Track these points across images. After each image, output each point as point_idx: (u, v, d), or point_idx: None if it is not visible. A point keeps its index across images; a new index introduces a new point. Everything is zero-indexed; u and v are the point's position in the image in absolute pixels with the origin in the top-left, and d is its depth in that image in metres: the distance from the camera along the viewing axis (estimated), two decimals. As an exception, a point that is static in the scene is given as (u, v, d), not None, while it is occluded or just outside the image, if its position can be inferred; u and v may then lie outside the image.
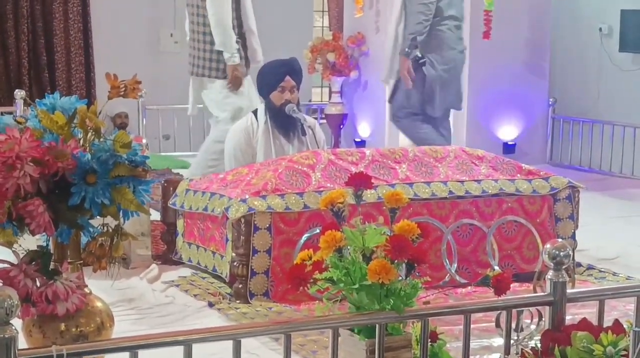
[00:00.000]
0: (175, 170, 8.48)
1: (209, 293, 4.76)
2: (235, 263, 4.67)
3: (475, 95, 8.85)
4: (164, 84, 10.18)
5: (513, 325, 2.92)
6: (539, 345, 2.78)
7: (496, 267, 4.85)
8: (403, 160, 5.11)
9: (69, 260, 2.96)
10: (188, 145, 10.04)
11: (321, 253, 2.77)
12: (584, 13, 9.84)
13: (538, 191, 5.18)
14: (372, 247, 2.77)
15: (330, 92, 10.14)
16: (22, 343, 2.40)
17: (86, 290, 2.96)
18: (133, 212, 2.91)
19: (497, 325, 2.97)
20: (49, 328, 2.87)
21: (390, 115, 7.86)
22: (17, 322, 2.32)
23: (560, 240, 2.91)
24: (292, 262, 2.96)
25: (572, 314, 3.21)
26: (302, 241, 4.63)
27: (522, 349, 2.86)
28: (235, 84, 6.89)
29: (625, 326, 2.73)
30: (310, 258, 2.78)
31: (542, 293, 2.90)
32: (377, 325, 2.67)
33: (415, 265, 2.78)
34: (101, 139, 2.91)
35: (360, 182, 2.94)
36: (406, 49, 7.19)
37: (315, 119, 8.34)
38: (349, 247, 2.78)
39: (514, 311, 2.89)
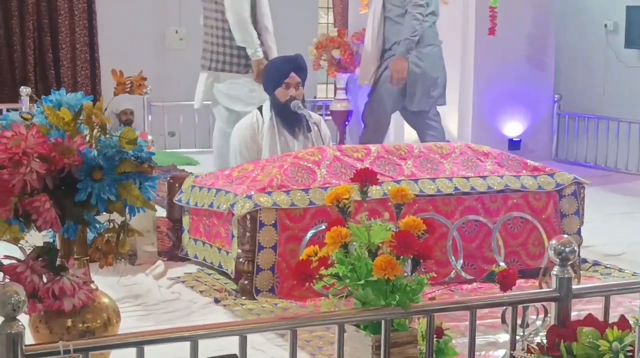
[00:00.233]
0: (180, 167, 8.50)
1: (214, 289, 4.77)
2: (240, 260, 4.67)
3: (481, 91, 8.85)
4: (169, 80, 10.19)
5: (519, 321, 2.92)
6: (544, 340, 2.78)
7: (502, 263, 4.85)
8: (408, 156, 5.12)
9: (75, 256, 2.97)
10: (193, 142, 10.06)
11: (327, 249, 2.77)
12: (589, 9, 9.83)
13: (543, 187, 5.18)
14: (377, 243, 2.77)
15: (336, 89, 10.11)
16: (28, 339, 2.41)
17: (92, 286, 2.96)
18: (139, 208, 2.92)
19: (503, 321, 2.97)
20: (56, 324, 2.88)
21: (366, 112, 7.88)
22: (24, 318, 2.32)
23: (565, 236, 2.90)
24: (298, 258, 2.97)
25: (578, 310, 3.21)
26: (307, 237, 4.63)
27: (527, 345, 2.86)
28: (261, 78, 6.93)
29: (631, 322, 2.73)
30: (316, 254, 2.79)
31: (548, 289, 2.89)
32: (382, 321, 2.67)
33: (421, 261, 2.78)
34: (107, 135, 2.92)
35: (365, 178, 2.94)
36: (407, 51, 7.29)
37: (321, 115, 8.35)
38: (354, 243, 2.78)
39: (519, 307, 2.89)
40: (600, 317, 2.86)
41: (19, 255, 2.86)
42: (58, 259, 2.90)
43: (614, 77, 9.57)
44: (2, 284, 2.28)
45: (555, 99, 9.39)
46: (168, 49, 10.51)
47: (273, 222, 4.64)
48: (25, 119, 2.95)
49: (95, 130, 2.93)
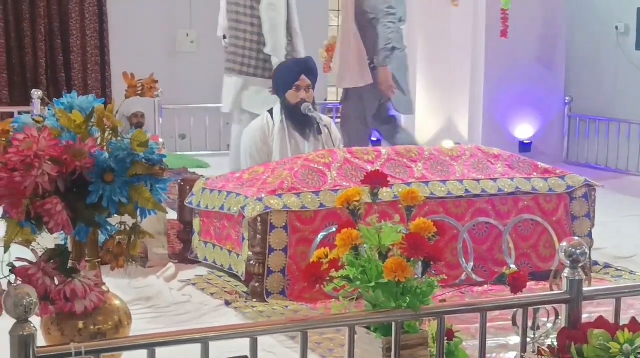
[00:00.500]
0: (191, 170, 8.50)
1: (225, 292, 4.77)
2: (251, 262, 4.68)
3: (491, 94, 8.84)
4: (180, 83, 10.21)
5: (529, 324, 2.92)
6: (555, 343, 2.77)
7: (512, 266, 4.85)
8: (419, 158, 5.12)
9: (87, 259, 2.98)
10: (204, 145, 10.08)
11: (337, 251, 2.78)
12: (600, 11, 9.81)
13: (554, 189, 5.17)
14: (388, 245, 2.77)
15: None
16: (40, 341, 2.42)
17: (104, 288, 2.97)
18: (150, 211, 2.93)
19: (514, 323, 2.97)
20: (68, 326, 2.89)
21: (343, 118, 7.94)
22: (35, 320, 2.33)
23: (576, 238, 2.90)
24: (309, 261, 2.97)
25: (589, 313, 3.21)
26: (318, 240, 4.64)
27: (538, 347, 2.86)
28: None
29: (642, 324, 2.73)
30: (327, 256, 2.79)
31: (559, 292, 2.89)
32: (393, 323, 2.67)
33: (431, 263, 2.78)
34: (118, 138, 2.93)
35: (376, 180, 2.95)
36: (386, 59, 7.41)
37: (331, 118, 8.35)
38: (365, 245, 2.79)
39: (530, 309, 2.89)
40: (611, 319, 2.86)
41: (31, 257, 2.87)
42: (70, 261, 2.92)
43: (624, 79, 9.55)
44: (14, 286, 2.29)
45: (566, 101, 9.38)
46: (179, 52, 10.54)
47: (284, 224, 4.64)
48: (37, 122, 2.96)
49: (106, 133, 2.94)
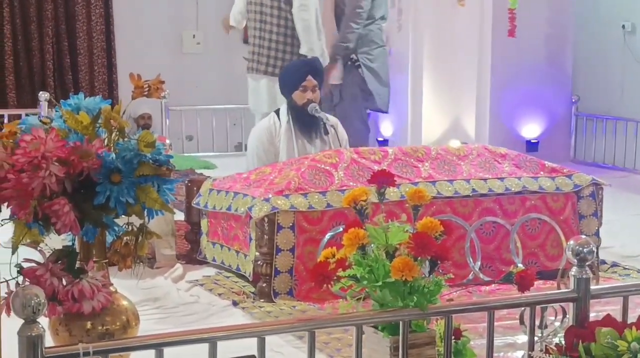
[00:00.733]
0: (198, 171, 8.52)
1: (233, 292, 4.78)
2: (259, 262, 4.68)
3: (498, 93, 8.83)
4: (186, 84, 10.22)
5: (537, 322, 2.92)
6: (563, 341, 2.77)
7: (520, 265, 4.84)
8: (426, 158, 5.11)
9: (94, 259, 2.99)
10: (211, 146, 10.08)
11: (344, 251, 2.78)
12: (606, 10, 9.79)
13: (561, 188, 5.16)
14: (395, 245, 2.78)
15: (353, 92, 10.11)
16: (48, 341, 2.42)
17: (111, 288, 2.98)
18: (157, 211, 2.94)
19: (521, 322, 2.97)
20: (75, 326, 2.90)
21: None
22: (43, 321, 2.34)
23: (583, 236, 2.90)
24: (316, 261, 2.97)
25: (597, 311, 3.21)
26: (325, 240, 4.64)
27: (546, 346, 2.86)
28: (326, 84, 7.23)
29: (650, 322, 2.73)
30: (334, 256, 2.79)
31: (566, 290, 2.89)
32: (400, 322, 2.67)
33: (439, 262, 2.79)
34: (125, 139, 2.93)
35: (383, 179, 2.95)
36: (337, 56, 7.63)
37: (337, 118, 8.35)
38: (372, 245, 2.79)
39: (537, 308, 2.88)
40: (619, 318, 2.86)
41: (39, 258, 2.88)
42: (77, 262, 2.92)
43: (632, 77, 9.53)
44: (23, 287, 2.30)
45: (573, 100, 9.36)
46: (185, 53, 10.55)
47: (291, 224, 4.65)
48: (44, 123, 2.97)
49: (113, 134, 2.95)
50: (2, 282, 2.77)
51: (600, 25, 9.75)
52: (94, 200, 2.84)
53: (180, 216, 5.45)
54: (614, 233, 5.66)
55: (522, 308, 2.92)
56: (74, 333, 2.89)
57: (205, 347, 2.49)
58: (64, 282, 2.84)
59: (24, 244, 2.89)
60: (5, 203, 2.71)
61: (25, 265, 2.82)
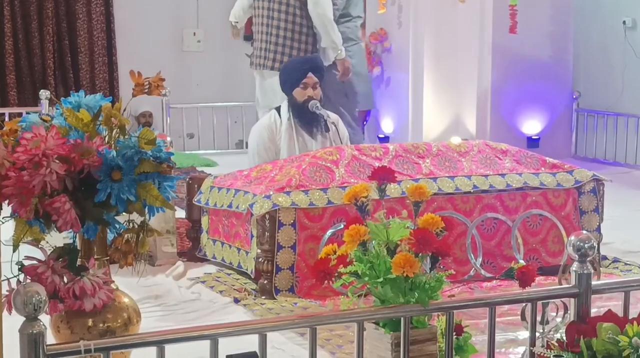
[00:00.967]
0: (199, 168, 8.53)
1: (234, 289, 4.78)
2: (260, 260, 4.69)
3: (499, 89, 8.83)
4: (187, 82, 10.23)
5: (538, 318, 2.92)
6: (564, 337, 2.77)
7: (521, 261, 4.84)
8: (427, 155, 5.11)
9: (95, 257, 2.99)
10: (212, 144, 10.09)
11: (346, 247, 2.78)
12: (607, 6, 9.78)
13: (562, 184, 5.16)
14: (396, 241, 2.78)
15: (353, 89, 10.12)
16: (50, 338, 2.42)
17: (113, 286, 2.98)
18: (158, 208, 2.94)
19: (523, 318, 2.96)
20: (77, 323, 2.90)
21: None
22: (45, 318, 2.34)
23: (585, 232, 2.90)
24: (317, 258, 2.97)
25: (598, 307, 3.21)
26: (326, 236, 4.64)
27: (547, 341, 2.86)
28: (346, 75, 7.28)
29: (651, 317, 2.73)
30: (335, 252, 2.79)
31: (568, 286, 2.89)
32: (402, 319, 2.67)
33: (440, 258, 2.79)
34: (126, 136, 2.93)
35: (384, 176, 2.95)
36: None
37: (338, 115, 8.35)
38: (373, 241, 2.79)
39: (539, 304, 2.88)
40: (620, 313, 2.85)
41: (40, 255, 2.88)
42: (78, 259, 2.92)
43: (632, 73, 9.52)
44: (24, 285, 2.30)
45: (574, 96, 9.36)
46: (186, 51, 10.54)
47: (292, 221, 4.65)
48: (45, 121, 2.97)
49: (114, 131, 2.95)
50: (3, 280, 2.76)
51: (601, 21, 9.75)
52: (95, 198, 2.84)
53: (181, 213, 5.46)
54: (615, 229, 5.66)
55: (524, 304, 2.92)
56: (75, 331, 2.89)
57: (206, 344, 2.49)
58: (65, 280, 2.84)
59: (25, 242, 2.89)
60: (6, 201, 2.71)
61: (27, 262, 2.82)
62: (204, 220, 5.31)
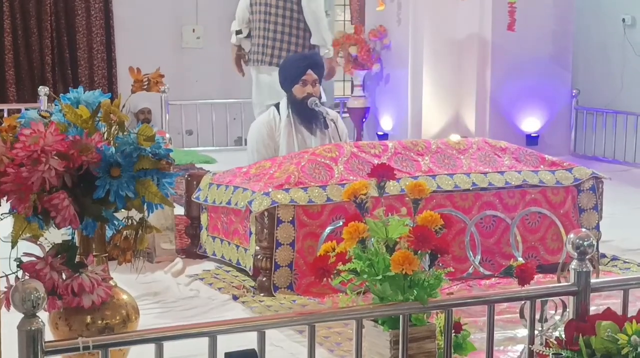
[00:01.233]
0: (198, 165, 8.52)
1: (233, 286, 4.78)
2: (258, 257, 4.68)
3: (498, 87, 8.83)
4: (186, 79, 10.22)
5: (537, 316, 2.92)
6: (563, 335, 2.77)
7: (520, 258, 4.84)
8: (426, 152, 5.11)
9: (94, 253, 2.98)
10: (211, 140, 10.08)
11: (344, 244, 2.78)
12: (607, 4, 9.78)
13: (561, 182, 5.16)
14: (395, 238, 2.77)
15: (353, 86, 10.13)
16: (48, 335, 2.42)
17: (111, 282, 2.98)
18: (157, 205, 2.93)
19: (521, 315, 2.96)
20: (75, 320, 2.89)
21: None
22: (43, 315, 2.34)
23: (584, 230, 2.90)
24: (316, 255, 2.97)
25: (597, 305, 3.20)
26: (325, 234, 4.64)
27: (546, 339, 2.86)
28: (331, 75, 7.29)
29: (650, 315, 2.72)
30: (334, 250, 2.79)
31: (566, 284, 2.89)
32: (401, 316, 2.67)
33: (439, 256, 2.78)
34: (125, 133, 2.93)
35: (383, 173, 2.94)
36: None
37: (338, 112, 8.37)
38: (372, 238, 2.79)
39: (538, 301, 2.88)
40: (619, 311, 2.85)
41: (38, 252, 2.88)
42: (77, 256, 2.92)
43: (632, 71, 9.53)
44: (22, 281, 2.29)
45: (573, 94, 9.36)
46: (185, 47, 10.54)
47: (291, 218, 4.65)
48: (44, 117, 2.97)
49: (113, 128, 2.94)
50: (1, 276, 2.76)
51: (600, 18, 9.75)
52: (94, 194, 2.84)
53: (180, 210, 5.45)
54: (614, 226, 5.66)
55: (522, 302, 2.92)
56: (73, 328, 2.89)
57: (205, 341, 2.49)
58: (64, 276, 2.84)
59: (23, 238, 2.89)
60: (5, 197, 2.71)
61: (25, 259, 2.82)
62: (203, 217, 5.31)
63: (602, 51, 9.83)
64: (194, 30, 10.53)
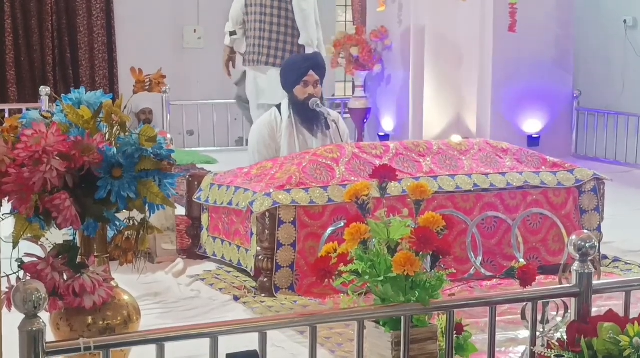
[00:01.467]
0: (199, 166, 8.52)
1: (234, 287, 4.78)
2: (260, 257, 4.68)
3: (499, 88, 8.82)
4: (187, 79, 10.23)
5: (539, 317, 2.91)
6: (564, 336, 2.77)
7: (521, 260, 4.84)
8: (427, 153, 5.11)
9: (95, 254, 2.98)
10: (212, 141, 10.08)
11: (346, 245, 2.77)
12: (608, 5, 9.78)
13: (563, 183, 5.16)
14: (397, 239, 2.77)
15: (354, 87, 10.13)
16: (49, 336, 2.42)
17: (113, 283, 2.97)
18: (159, 206, 2.93)
19: (523, 317, 2.96)
20: (76, 321, 2.89)
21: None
22: (44, 315, 2.33)
23: (586, 231, 2.89)
24: (317, 256, 2.96)
25: (598, 306, 3.20)
26: (326, 234, 4.63)
27: (548, 341, 2.85)
28: None
29: (652, 317, 2.72)
30: (335, 251, 2.78)
31: (568, 285, 2.88)
32: (402, 317, 2.67)
33: (440, 257, 2.78)
34: (126, 133, 2.93)
35: (384, 174, 2.94)
36: None
37: (339, 113, 8.36)
38: (373, 240, 2.78)
39: (539, 303, 2.88)
40: (621, 313, 2.85)
41: (40, 253, 2.87)
42: (78, 257, 2.92)
43: (633, 72, 9.52)
44: (24, 282, 2.29)
45: (575, 95, 9.35)
46: (186, 48, 10.54)
47: (292, 219, 4.64)
48: (46, 117, 2.97)
49: (114, 128, 2.94)
50: (3, 277, 2.76)
51: (602, 19, 9.75)
52: (95, 195, 2.83)
53: (181, 211, 5.45)
54: (615, 228, 5.66)
55: (524, 303, 2.91)
56: (75, 328, 2.89)
57: (206, 341, 2.48)
58: (65, 277, 2.84)
59: (25, 239, 2.88)
60: (6, 198, 2.71)
61: (26, 259, 2.82)
62: (204, 218, 5.30)
63: (603, 52, 9.82)
64: (195, 31, 10.53)
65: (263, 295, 4.64)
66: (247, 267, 4.88)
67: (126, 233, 2.98)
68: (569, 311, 2.90)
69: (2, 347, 2.61)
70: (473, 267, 4.87)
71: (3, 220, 2.85)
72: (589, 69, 9.85)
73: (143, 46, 10.01)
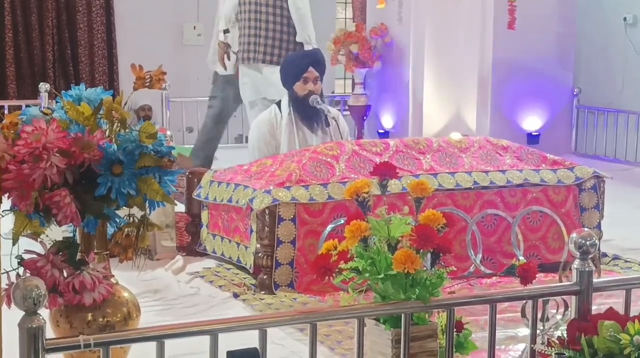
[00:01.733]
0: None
1: (233, 284, 4.77)
2: (259, 254, 4.68)
3: (499, 85, 8.82)
4: (187, 76, 10.22)
5: (539, 315, 2.91)
6: (565, 334, 2.77)
7: (521, 257, 4.83)
8: (427, 150, 5.10)
9: (95, 251, 2.98)
10: (212, 138, 10.05)
11: (346, 243, 2.77)
12: (608, 2, 9.77)
13: (563, 181, 5.16)
14: (397, 237, 2.77)
15: (354, 84, 10.12)
16: (49, 333, 2.42)
17: (112, 280, 2.97)
18: (159, 202, 2.93)
19: (523, 315, 2.96)
20: (76, 318, 2.89)
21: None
22: (44, 312, 2.33)
23: (586, 229, 2.89)
24: (317, 253, 2.96)
25: (598, 304, 3.20)
26: (326, 232, 4.63)
27: (548, 339, 2.85)
28: None
29: (652, 315, 2.72)
30: (336, 248, 2.78)
31: (568, 283, 2.88)
32: (402, 315, 2.66)
33: (441, 254, 2.78)
34: (127, 130, 2.92)
35: (385, 171, 2.94)
36: None
37: (339, 110, 8.36)
38: (374, 237, 2.78)
39: (539, 301, 2.88)
40: (621, 311, 2.85)
41: (40, 249, 2.87)
42: (78, 253, 2.92)
43: (633, 70, 9.52)
44: (23, 279, 2.29)
45: (575, 93, 9.35)
46: (186, 45, 10.54)
47: (292, 216, 4.64)
48: (46, 114, 2.96)
49: (115, 125, 2.94)
50: (2, 273, 2.76)
51: (602, 17, 9.74)
52: (95, 192, 2.83)
53: (180, 208, 5.45)
54: (615, 226, 5.65)
55: (524, 301, 2.91)
56: (74, 325, 2.89)
57: (206, 339, 2.48)
58: (65, 274, 2.84)
59: (24, 235, 2.88)
60: (6, 194, 2.70)
61: (26, 256, 2.82)
62: (204, 215, 5.30)
63: (603, 50, 9.82)
64: (195, 28, 10.52)
65: (263, 292, 4.64)
66: (246, 264, 4.88)
67: (126, 230, 2.98)
68: (569, 309, 2.90)
69: (2, 344, 2.61)
70: (473, 265, 4.87)
71: (3, 216, 2.85)
72: (589, 67, 9.85)
73: (143, 43, 10.00)
